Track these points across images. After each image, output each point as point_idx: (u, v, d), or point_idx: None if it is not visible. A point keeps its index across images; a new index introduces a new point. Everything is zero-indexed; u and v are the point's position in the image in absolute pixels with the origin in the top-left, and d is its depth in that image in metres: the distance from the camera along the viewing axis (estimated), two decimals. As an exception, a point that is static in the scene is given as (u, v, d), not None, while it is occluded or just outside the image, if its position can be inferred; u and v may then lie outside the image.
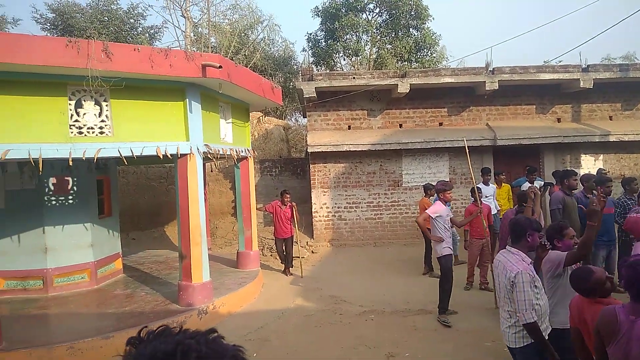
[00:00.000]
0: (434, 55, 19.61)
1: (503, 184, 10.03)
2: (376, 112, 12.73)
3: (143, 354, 0.78)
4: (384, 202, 12.49)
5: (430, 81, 11.92)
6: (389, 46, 19.24)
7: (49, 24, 19.97)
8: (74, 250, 8.19)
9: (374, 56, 19.65)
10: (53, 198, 8.17)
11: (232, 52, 18.83)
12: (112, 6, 20.20)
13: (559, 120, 12.92)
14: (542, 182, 9.29)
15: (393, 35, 19.24)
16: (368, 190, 12.50)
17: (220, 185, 14.79)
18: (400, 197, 12.51)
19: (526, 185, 8.97)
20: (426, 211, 7.04)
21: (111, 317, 6.72)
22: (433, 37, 18.80)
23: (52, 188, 8.15)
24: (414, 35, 19.00)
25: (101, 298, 7.76)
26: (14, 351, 5.52)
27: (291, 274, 9.77)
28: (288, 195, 9.90)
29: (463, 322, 6.55)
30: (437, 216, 6.78)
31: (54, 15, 19.68)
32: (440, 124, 12.78)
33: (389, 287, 8.51)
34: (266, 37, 21.88)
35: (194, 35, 21.12)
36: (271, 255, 11.36)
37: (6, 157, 5.57)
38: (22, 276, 7.98)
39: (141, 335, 0.85)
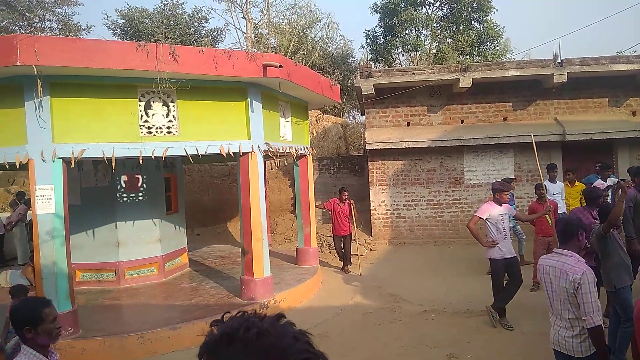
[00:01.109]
0: (497, 48, 18.94)
1: (577, 183, 9.48)
2: (436, 108, 12.48)
3: (219, 331, 0.93)
4: (444, 200, 12.23)
5: (494, 75, 11.53)
6: (450, 40, 18.79)
7: (119, 30, 21.10)
8: (144, 244, 8.63)
9: (434, 51, 19.26)
10: (124, 195, 8.63)
11: (291, 51, 19.08)
12: (177, 10, 21.04)
13: (634, 113, 12.10)
14: (616, 180, 8.74)
15: (454, 28, 18.77)
16: (428, 187, 12.27)
17: (280, 182, 15.04)
18: (462, 194, 12.19)
19: (598, 183, 8.47)
20: (475, 213, 6.62)
21: (178, 309, 7.02)
22: (496, 30, 18.16)
23: (123, 185, 8.62)
24: (476, 28, 18.44)
25: (168, 291, 8.12)
26: (89, 339, 5.89)
27: (349, 272, 9.78)
28: (346, 193, 9.92)
29: (528, 324, 6.30)
30: (488, 217, 6.39)
31: (124, 21, 20.77)
32: (505, 119, 12.33)
33: (450, 286, 8.33)
34: (324, 36, 21.99)
35: (255, 36, 21.58)
36: (330, 252, 11.42)
37: (82, 156, 5.95)
38: (97, 268, 8.50)
39: (222, 318, 0.98)
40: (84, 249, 8.30)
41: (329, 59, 20.94)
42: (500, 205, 6.45)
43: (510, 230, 6.73)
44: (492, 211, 6.41)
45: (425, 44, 19.33)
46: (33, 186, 5.81)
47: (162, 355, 5.88)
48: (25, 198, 12.04)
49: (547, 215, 7.32)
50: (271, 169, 14.75)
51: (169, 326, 6.17)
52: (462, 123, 12.39)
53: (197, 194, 14.63)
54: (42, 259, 5.80)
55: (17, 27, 21.28)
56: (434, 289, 8.22)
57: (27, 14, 22.12)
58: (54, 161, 5.79)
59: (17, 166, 6.15)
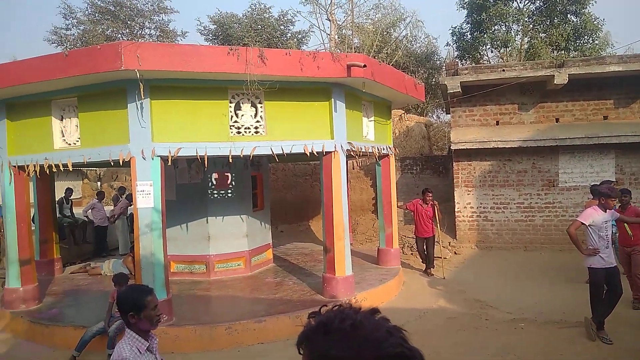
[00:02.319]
0: (596, 42, 17.56)
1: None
2: (528, 106, 11.84)
3: (315, 322, 0.97)
4: (536, 203, 11.57)
5: (592, 70, 10.71)
6: (543, 35, 17.72)
7: (211, 35, 22.21)
8: (232, 239, 9.02)
9: (526, 46, 18.27)
10: (215, 192, 9.08)
11: (374, 50, 19.01)
12: (264, 15, 21.75)
13: None
14: None
15: (548, 22, 17.68)
16: (518, 190, 11.68)
17: (361, 182, 15.05)
18: (555, 198, 11.47)
19: None
20: (577, 218, 6.09)
21: (263, 302, 7.26)
22: (595, 23, 16.85)
23: (214, 183, 9.07)
24: (572, 21, 17.23)
25: (254, 284, 8.43)
26: (182, 327, 6.27)
27: (432, 275, 9.56)
28: (430, 194, 9.71)
29: (629, 339, 5.79)
30: (591, 223, 5.85)
31: (215, 26, 21.82)
32: (605, 118, 11.42)
33: (541, 295, 7.87)
34: (408, 34, 21.66)
35: (338, 37, 21.75)
36: (411, 254, 11.24)
37: (178, 155, 6.34)
38: (189, 261, 9.02)
39: (320, 310, 1.03)
40: (178, 241, 8.82)
41: (412, 58, 20.60)
42: (605, 211, 5.91)
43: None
44: (596, 217, 5.86)
45: (516, 39, 18.38)
46: (134, 182, 6.29)
47: (247, 347, 6.12)
48: (127, 193, 13.07)
49: (625, 225, 6.73)
50: (353, 169, 14.79)
51: (254, 319, 6.41)
52: (557, 122, 11.66)
53: (281, 192, 15.03)
54: (142, 250, 6.25)
55: (120, 35, 23.12)
56: (524, 297, 7.81)
57: (128, 22, 23.96)
58: (153, 159, 6.22)
59: (121, 163, 6.67)
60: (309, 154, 7.02)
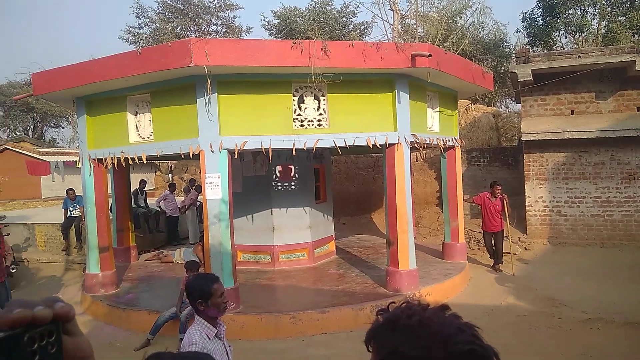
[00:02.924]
0: (683, 24, 16.10)
1: None
2: (606, 94, 11.08)
3: (383, 318, 0.97)
4: (615, 197, 10.84)
5: (680, 54, 9.85)
6: (623, 18, 16.48)
7: (274, 30, 22.54)
8: (296, 230, 9.16)
9: (603, 31, 17.09)
10: (279, 184, 9.25)
11: (439, 39, 18.49)
12: (327, 7, 21.75)
13: None
14: None
15: (628, 5, 16.43)
16: (595, 183, 10.99)
17: (425, 174, 14.76)
18: (636, 192, 10.69)
19: None
20: None
21: (326, 293, 7.33)
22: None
23: (278, 175, 9.23)
24: (657, 1, 15.91)
25: (317, 275, 8.52)
26: (248, 314, 6.46)
27: (500, 270, 9.23)
28: (499, 187, 9.35)
29: None
30: None
31: (279, 20, 22.10)
32: (696, 105, 10.49)
33: (621, 294, 7.38)
34: (475, 21, 20.87)
35: (401, 27, 21.35)
36: (479, 249, 10.90)
37: (244, 148, 6.51)
38: (255, 250, 9.25)
39: (388, 307, 1.01)
40: (244, 232, 9.07)
41: (480, 46, 19.83)
42: None
43: None
44: None
45: (592, 23, 17.23)
46: (203, 174, 6.52)
47: (311, 337, 6.20)
48: (196, 184, 13.58)
49: None
50: (416, 161, 14.53)
51: (318, 309, 6.48)
52: (638, 111, 10.84)
53: (343, 184, 15.05)
54: (211, 239, 6.49)
55: (188, 32, 23.98)
56: (601, 296, 7.36)
57: (196, 19, 24.79)
58: (220, 152, 6.42)
59: (190, 156, 6.94)
60: (371, 147, 6.97)
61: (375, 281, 7.76)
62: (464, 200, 9.76)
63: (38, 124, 36.08)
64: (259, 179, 9.22)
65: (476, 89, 9.28)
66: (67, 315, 0.53)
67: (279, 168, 9.24)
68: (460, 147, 9.76)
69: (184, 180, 20.28)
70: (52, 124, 37.05)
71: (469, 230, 11.55)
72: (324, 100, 6.90)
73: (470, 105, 16.17)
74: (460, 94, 9.63)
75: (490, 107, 18.56)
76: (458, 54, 16.04)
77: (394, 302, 1.05)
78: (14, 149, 23.64)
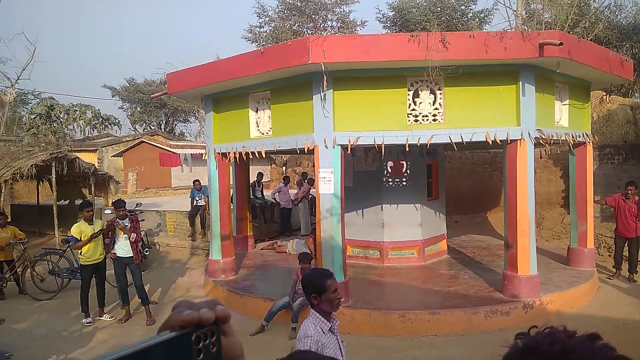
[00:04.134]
0: None
1: None
2: None
3: (522, 343, 0.88)
4: None
5: None
6: None
7: (389, 22, 22.29)
8: (406, 227, 9.01)
9: None
10: (390, 179, 9.16)
11: (568, 25, 16.96)
12: (444, -4, 21.02)
13: None
14: None
15: None
16: None
17: (549, 172, 13.67)
18: None
19: None
20: None
21: (437, 294, 7.13)
22: None
23: (389, 170, 9.15)
24: None
25: (427, 275, 8.32)
26: (357, 309, 6.50)
27: (635, 281, 8.27)
28: (631, 188, 8.38)
29: None
30: None
31: (394, 13, 21.81)
32: None
33: None
34: (611, 3, 18.80)
35: (526, 13, 19.94)
36: (609, 255, 9.86)
37: (357, 143, 6.53)
38: (364, 246, 9.28)
39: (528, 331, 0.93)
40: (354, 226, 9.13)
41: (616, 31, 17.84)
42: None
43: None
44: None
45: None
46: (317, 169, 6.68)
47: (420, 337, 6.07)
48: (308, 178, 13.97)
49: None
50: (540, 157, 13.50)
51: (428, 310, 6.33)
52: None
53: (457, 181, 14.48)
54: (322, 233, 6.63)
55: (305, 29, 24.64)
56: None
57: (313, 16, 25.38)
58: (334, 147, 6.52)
59: (305, 151, 7.13)
60: (491, 142, 6.60)
61: (491, 285, 7.37)
62: (594, 201, 8.88)
63: (169, 119, 39.59)
64: (370, 174, 9.21)
65: (613, 79, 8.36)
66: (225, 317, 0.56)
67: (390, 163, 9.15)
68: (592, 143, 8.88)
69: (297, 173, 20.98)
70: (181, 119, 40.42)
71: (598, 235, 10.51)
72: (440, 94, 6.68)
73: (604, 96, 14.67)
74: (593, 84, 8.76)
75: (627, 99, 16.63)
76: (591, 40, 14.61)
77: (535, 326, 0.96)
78: (149, 141, 26.20)
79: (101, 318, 7.39)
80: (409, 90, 6.66)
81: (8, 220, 9.31)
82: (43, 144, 16.75)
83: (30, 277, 8.81)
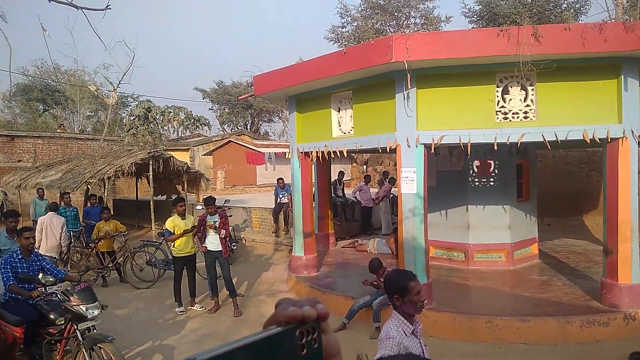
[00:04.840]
0: None
1: None
2: None
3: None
4: None
5: None
6: None
7: (475, 17, 21.50)
8: (493, 230, 8.65)
9: None
10: (476, 179, 8.84)
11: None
12: (535, -14, 19.88)
13: None
14: None
15: None
16: None
17: (657, 173, 12.47)
18: None
19: None
20: None
21: (527, 300, 6.77)
22: None
23: (475, 170, 8.83)
24: None
25: (516, 280, 7.93)
26: (441, 312, 6.34)
27: None
28: None
29: None
30: None
31: (480, 6, 21.00)
32: None
33: None
34: None
35: (627, 1, 18.32)
36: None
37: (441, 142, 6.38)
38: (448, 247, 9.04)
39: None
40: (437, 227, 8.91)
41: None
42: None
43: None
44: None
45: None
46: (399, 169, 6.60)
47: (508, 345, 5.81)
48: (390, 177, 13.86)
49: None
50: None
51: (517, 317, 6.04)
52: None
53: (550, 181, 13.64)
54: (404, 233, 6.55)
55: (387, 27, 24.43)
56: None
57: (395, 14, 25.09)
58: (417, 147, 6.41)
59: (387, 150, 7.08)
60: (589, 141, 6.15)
61: (587, 293, 6.88)
62: None
63: (255, 119, 41.05)
64: (455, 173, 8.94)
65: None
66: (326, 315, 0.59)
67: (476, 163, 8.83)
68: None
69: (378, 172, 20.86)
70: (266, 119, 41.77)
71: None
72: (532, 90, 6.34)
73: None
74: None
75: None
76: None
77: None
78: (236, 141, 27.34)
79: (192, 308, 7.84)
80: (497, 87, 6.39)
81: (111, 214, 10.14)
82: (141, 144, 18.07)
83: (130, 267, 9.55)
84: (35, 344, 5.00)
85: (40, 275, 5.12)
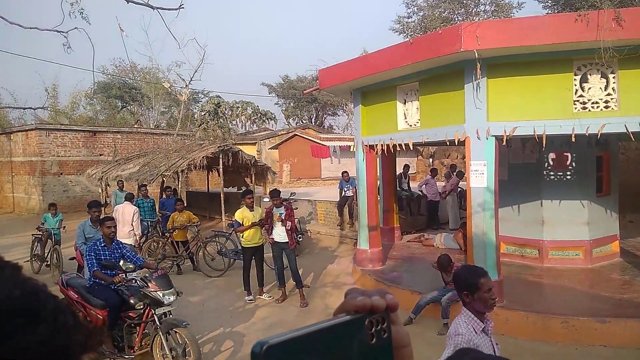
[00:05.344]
0: None
1: None
2: None
3: None
4: None
5: None
6: None
7: (550, 1, 20.35)
8: (569, 226, 8.20)
9: None
10: (552, 173, 8.41)
11: None
12: (618, -34, 18.49)
13: None
14: None
15: None
16: None
17: None
18: None
19: None
20: None
21: (606, 301, 6.39)
22: None
23: (550, 163, 8.40)
24: None
25: (595, 279, 7.50)
26: (512, 310, 6.12)
27: None
28: None
29: None
30: None
31: (556, -10, 19.86)
32: None
33: None
34: None
35: None
36: None
37: (513, 134, 6.12)
38: (520, 243, 8.68)
39: None
40: (509, 222, 8.57)
41: None
42: None
43: None
44: None
45: None
46: (468, 162, 6.42)
47: (587, 347, 5.51)
48: (457, 170, 13.50)
49: None
50: None
51: (596, 317, 5.71)
52: None
53: (633, 175, 12.70)
54: (474, 228, 6.37)
55: (455, 16, 23.69)
56: None
57: (464, 1, 24.27)
58: (487, 139, 6.20)
59: (456, 143, 6.90)
60: (680, 132, 5.69)
61: (676, 295, 6.39)
62: None
63: (319, 113, 41.37)
64: (528, 166, 8.56)
65: None
66: (395, 306, 0.59)
67: (552, 155, 8.38)
68: None
69: (445, 166, 20.38)
70: (330, 113, 41.97)
71: None
72: (613, 78, 5.93)
73: None
74: None
75: None
76: None
77: None
78: (301, 135, 27.69)
79: (261, 297, 8.07)
80: (575, 75, 6.03)
81: (184, 205, 10.61)
82: (212, 138, 18.76)
83: (202, 256, 9.97)
84: (117, 327, 5.36)
85: (121, 262, 5.47)
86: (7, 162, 22.42)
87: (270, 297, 8.07)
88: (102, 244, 5.58)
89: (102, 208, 9.76)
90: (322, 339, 0.52)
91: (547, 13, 19.10)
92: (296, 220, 8.77)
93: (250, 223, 7.88)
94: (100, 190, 16.85)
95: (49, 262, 9.88)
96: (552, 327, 5.79)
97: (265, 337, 0.48)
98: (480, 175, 6.27)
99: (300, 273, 8.00)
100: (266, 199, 9.45)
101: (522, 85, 6.22)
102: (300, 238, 10.91)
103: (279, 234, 7.75)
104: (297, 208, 11.12)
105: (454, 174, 13.21)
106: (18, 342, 0.50)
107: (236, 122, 22.58)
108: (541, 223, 8.32)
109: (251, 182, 15.15)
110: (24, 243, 11.83)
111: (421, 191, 13.08)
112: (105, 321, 5.19)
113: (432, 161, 24.80)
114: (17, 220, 19.57)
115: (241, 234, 8.10)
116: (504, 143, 6.38)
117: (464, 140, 6.44)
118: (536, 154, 8.38)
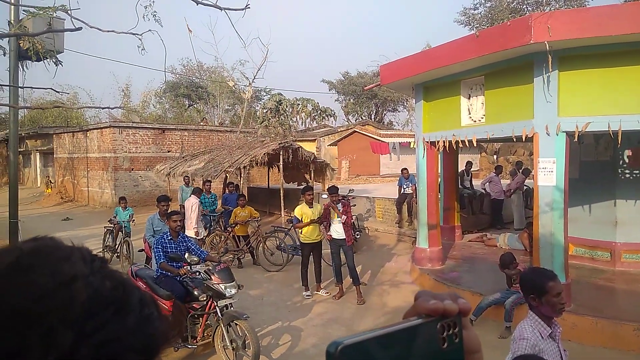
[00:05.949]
0: None
1: None
2: None
3: None
4: None
5: None
6: None
7: (629, -11, 19.03)
8: (647, 228, 7.67)
9: None
10: (627, 171, 7.89)
11: None
12: None
13: None
14: None
15: None
16: None
17: None
18: None
19: None
20: None
21: (689, 310, 5.92)
22: None
23: (626, 160, 7.88)
24: None
25: (675, 285, 6.96)
26: (581, 315, 5.80)
27: None
28: None
29: None
30: None
31: (636, -23, 18.54)
32: None
33: None
34: None
35: None
36: None
37: (586, 130, 5.79)
38: (591, 245, 8.20)
39: None
40: (578, 223, 8.12)
41: None
42: None
43: None
44: None
45: None
46: (536, 159, 6.14)
47: (665, 358, 5.14)
48: (523, 168, 12.95)
49: None
50: None
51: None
52: None
53: None
54: (540, 228, 6.09)
55: (524, 7, 22.69)
56: None
57: (533, -8, 23.19)
58: (557, 135, 5.90)
59: (523, 139, 6.62)
60: None
61: None
62: None
63: (379, 109, 41.03)
64: (601, 164, 8.08)
65: None
66: (467, 310, 0.58)
67: (628, 152, 7.85)
68: None
69: (510, 163, 19.62)
70: (390, 109, 41.53)
71: None
72: (701, 68, 5.47)
73: None
74: None
75: None
76: None
77: None
78: (360, 131, 27.59)
79: (318, 293, 8.13)
80: (656, 66, 5.61)
81: (246, 201, 10.88)
82: (273, 135, 19.09)
83: (262, 250, 10.18)
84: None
85: (187, 255, 5.69)
86: (83, 158, 23.90)
87: (328, 293, 8.11)
88: (169, 237, 5.82)
89: (170, 202, 10.20)
90: (395, 342, 0.52)
91: (626, 1, 17.88)
92: (354, 217, 8.74)
93: (309, 220, 7.95)
94: (166, 186, 17.59)
95: (119, 254, 10.44)
96: (624, 335, 5.43)
97: (340, 338, 0.49)
98: (549, 173, 5.98)
99: (357, 270, 7.99)
100: (324, 196, 9.50)
101: (596, 78, 5.86)
102: (357, 235, 10.88)
103: (337, 230, 7.76)
104: (355, 205, 11.09)
105: (520, 171, 12.69)
106: (108, 332, 0.52)
107: (296, 119, 22.85)
108: (614, 224, 7.83)
109: (310, 179, 15.28)
110: (96, 235, 12.56)
111: (484, 189, 12.67)
112: (170, 311, 5.42)
113: (497, 158, 23.96)
114: (91, 213, 20.82)
115: (300, 230, 8.19)
116: (576, 139, 6.05)
117: (532, 137, 6.16)
118: (610, 151, 7.90)
